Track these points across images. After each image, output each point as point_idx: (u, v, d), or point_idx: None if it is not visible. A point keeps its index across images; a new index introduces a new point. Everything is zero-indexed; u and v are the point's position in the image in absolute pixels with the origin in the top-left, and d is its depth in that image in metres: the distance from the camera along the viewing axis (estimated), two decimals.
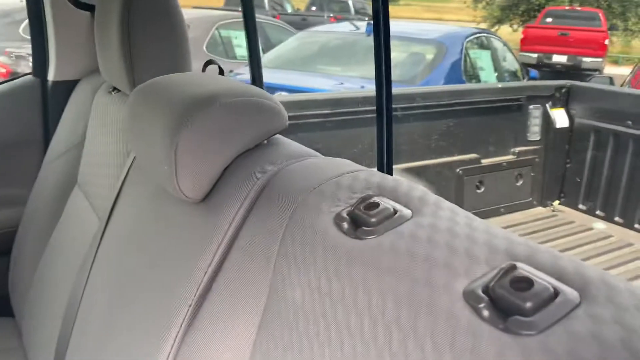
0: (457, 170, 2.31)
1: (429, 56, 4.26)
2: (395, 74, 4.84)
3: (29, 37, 4.61)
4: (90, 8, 1.36)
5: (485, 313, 0.41)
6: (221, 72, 0.94)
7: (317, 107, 1.95)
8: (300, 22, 11.51)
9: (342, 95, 2.23)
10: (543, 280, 0.42)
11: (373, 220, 0.54)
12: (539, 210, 2.63)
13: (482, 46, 4.93)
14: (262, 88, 1.38)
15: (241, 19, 5.52)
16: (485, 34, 5.06)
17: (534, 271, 0.43)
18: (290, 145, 0.76)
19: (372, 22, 4.74)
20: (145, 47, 1.02)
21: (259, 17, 7.05)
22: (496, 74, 4.97)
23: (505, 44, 5.44)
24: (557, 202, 2.69)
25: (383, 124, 1.15)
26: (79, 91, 1.38)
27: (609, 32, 11.73)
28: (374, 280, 0.49)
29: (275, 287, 0.60)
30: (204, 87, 0.74)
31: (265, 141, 0.76)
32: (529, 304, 0.40)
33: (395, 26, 6.18)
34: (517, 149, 2.54)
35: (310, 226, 0.58)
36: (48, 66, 1.44)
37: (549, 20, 11.94)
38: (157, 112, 0.75)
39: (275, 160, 0.71)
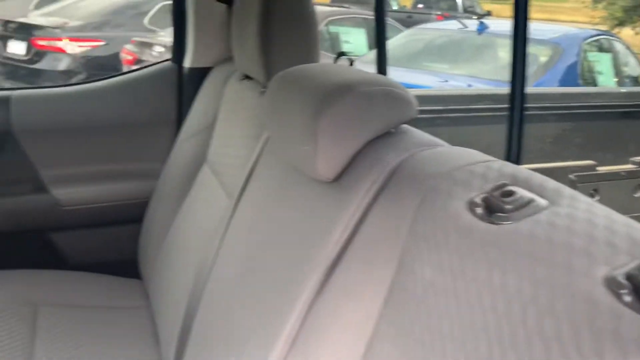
0: (571, 176, 2.22)
1: (543, 57, 4.09)
2: (505, 73, 4.68)
3: (153, 28, 4.97)
4: (229, 1, 1.47)
5: (628, 299, 0.43)
6: (351, 63, 0.99)
7: (437, 103, 1.97)
8: (407, 20, 11.42)
9: (463, 92, 2.21)
10: None
11: (509, 207, 0.57)
12: None
13: (602, 49, 4.64)
14: None
15: (349, 16, 5.59)
16: (605, 36, 4.76)
17: None
18: (419, 134, 0.80)
19: (482, 20, 4.61)
20: (281, 40, 1.09)
21: (366, 14, 7.10)
22: (616, 79, 4.67)
23: (628, 48, 5.08)
24: None
25: (515, 121, 1.15)
26: (212, 78, 1.50)
27: None
28: (510, 262, 0.52)
29: (404, 263, 0.64)
30: (342, 76, 0.80)
31: (394, 129, 0.81)
32: None
33: (506, 25, 5.97)
34: (638, 159, 2.40)
35: (442, 209, 0.62)
36: (185, 54, 1.57)
37: None
38: (298, 97, 0.82)
39: (406, 147, 0.76)
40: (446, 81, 4.14)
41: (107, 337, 1.27)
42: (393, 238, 0.67)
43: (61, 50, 5.48)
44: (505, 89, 2.25)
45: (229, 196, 1.18)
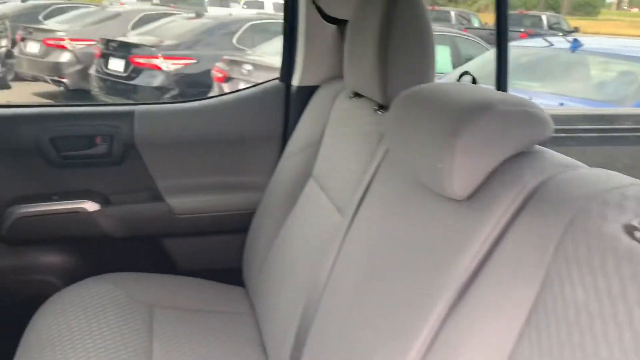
0: None
1: None
2: (598, 93, 4.48)
3: (241, 47, 5.16)
4: (339, 22, 1.52)
5: None
6: (474, 81, 1.00)
7: (571, 122, 1.93)
8: (489, 37, 11.20)
9: (599, 112, 2.13)
10: None
11: None
12: None
13: None
14: None
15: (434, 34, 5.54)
16: None
17: None
18: (554, 155, 0.80)
19: (577, 38, 4.43)
20: (399, 60, 1.12)
21: (449, 31, 7.03)
22: None
23: None
24: None
25: None
26: (319, 95, 1.55)
27: None
28: None
29: (550, 283, 0.64)
30: (479, 95, 0.81)
31: (528, 149, 0.80)
32: None
33: (599, 42, 5.72)
34: None
35: (596, 232, 0.61)
36: (293, 73, 1.64)
37: None
38: (431, 115, 0.84)
39: (544, 167, 0.75)
40: (530, 99, 4.03)
41: (215, 340, 1.33)
42: (536, 258, 0.66)
43: (156, 68, 5.81)
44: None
45: (340, 211, 1.21)
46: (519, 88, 4.39)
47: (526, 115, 0.78)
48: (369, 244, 1.01)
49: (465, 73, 1.02)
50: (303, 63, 1.60)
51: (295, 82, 1.63)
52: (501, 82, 1.39)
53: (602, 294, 0.57)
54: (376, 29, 1.12)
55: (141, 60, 5.88)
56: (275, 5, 16.18)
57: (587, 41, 4.98)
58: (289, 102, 1.65)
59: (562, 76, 4.58)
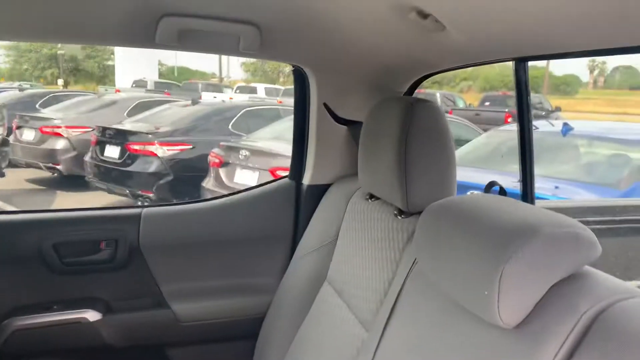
0: None
1: (638, 159, 3.94)
2: (591, 176, 4.51)
3: (237, 132, 5.20)
4: (349, 123, 1.53)
5: None
6: (503, 192, 0.98)
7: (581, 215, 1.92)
8: (475, 117, 11.51)
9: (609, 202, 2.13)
10: None
11: None
12: None
13: None
14: (533, 203, 1.39)
15: None
16: None
17: None
18: (606, 277, 0.76)
19: (566, 123, 4.52)
20: (420, 166, 1.10)
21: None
22: None
23: None
24: None
25: None
26: (332, 194, 1.52)
27: None
28: None
29: None
30: (522, 215, 0.78)
31: (577, 272, 0.76)
32: None
33: (588, 126, 5.82)
34: None
35: None
36: (304, 171, 1.62)
37: None
38: (470, 235, 0.80)
39: (600, 294, 0.71)
40: (519, 181, 4.03)
41: None
42: None
43: (152, 154, 5.84)
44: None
45: (364, 324, 1.15)
46: (512, 172, 4.43)
47: (574, 237, 0.75)
48: None
49: (493, 183, 0.99)
50: (314, 162, 1.58)
51: (306, 180, 1.60)
52: (528, 191, 1.37)
53: None
54: (395, 133, 1.11)
55: (137, 147, 5.92)
56: (266, 89, 16.69)
57: (581, 125, 5.11)
58: (300, 200, 1.62)
59: (553, 158, 4.64)
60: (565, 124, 4.43)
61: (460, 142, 5.88)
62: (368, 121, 1.26)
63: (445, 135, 1.12)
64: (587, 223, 1.96)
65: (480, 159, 4.66)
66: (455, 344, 0.83)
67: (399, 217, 1.16)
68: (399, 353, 0.96)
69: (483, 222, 0.79)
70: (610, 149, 4.40)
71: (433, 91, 16.77)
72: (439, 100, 15.11)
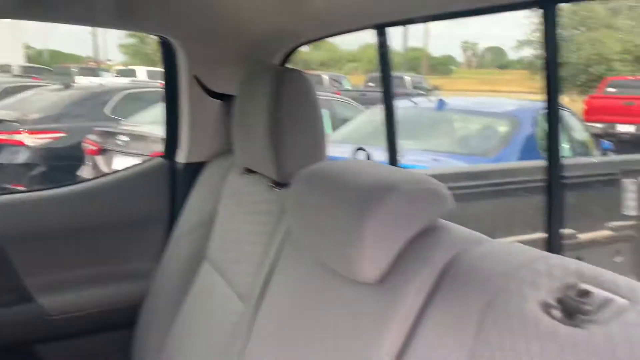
0: None
1: (502, 129, 4.27)
2: (464, 147, 4.84)
3: (114, 117, 4.93)
4: (223, 97, 1.48)
5: None
6: (368, 157, 1.00)
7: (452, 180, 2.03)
8: (361, 98, 11.86)
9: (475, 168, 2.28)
10: None
11: (588, 308, 0.55)
12: None
13: None
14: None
15: None
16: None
17: None
18: (459, 228, 0.80)
19: (441, 98, 4.78)
20: (290, 136, 1.09)
21: (326, 95, 7.34)
22: (568, 145, 4.90)
23: (573, 114, 5.39)
24: None
25: (554, 201, 1.17)
26: (208, 172, 1.48)
27: None
28: None
29: None
30: (381, 174, 0.80)
31: (432, 225, 0.80)
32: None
33: (457, 100, 6.22)
34: (614, 224, 2.48)
35: (517, 313, 0.60)
36: (178, 149, 1.55)
37: (612, 90, 11.82)
38: (334, 196, 0.80)
39: (452, 244, 0.74)
40: (404, 156, 4.22)
41: None
42: (457, 343, 0.64)
43: (20, 143, 5.36)
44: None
45: (241, 298, 1.13)
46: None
47: (428, 192, 0.78)
48: (280, 333, 0.93)
49: (360, 149, 1.01)
50: (188, 139, 1.52)
51: (181, 158, 1.54)
52: (393, 156, 1.42)
53: None
54: (265, 105, 1.09)
55: (2, 137, 5.39)
56: (149, 72, 15.92)
57: (454, 100, 5.43)
58: (175, 180, 1.55)
59: (431, 133, 4.90)
60: (440, 100, 4.69)
61: (346, 120, 6.03)
62: (240, 93, 1.23)
63: (314, 104, 1.12)
64: (459, 188, 2.08)
65: (365, 136, 4.80)
66: (325, 306, 0.84)
67: (274, 189, 1.15)
68: (273, 321, 0.96)
69: (346, 184, 0.81)
70: (481, 122, 4.72)
71: (320, 73, 17.04)
72: (326, 82, 15.37)
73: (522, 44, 19.16)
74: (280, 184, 1.13)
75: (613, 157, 2.54)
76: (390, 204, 0.74)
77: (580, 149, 5.11)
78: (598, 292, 0.57)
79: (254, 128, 1.13)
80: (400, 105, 6.06)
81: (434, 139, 4.74)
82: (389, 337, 0.71)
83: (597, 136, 8.83)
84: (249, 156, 1.21)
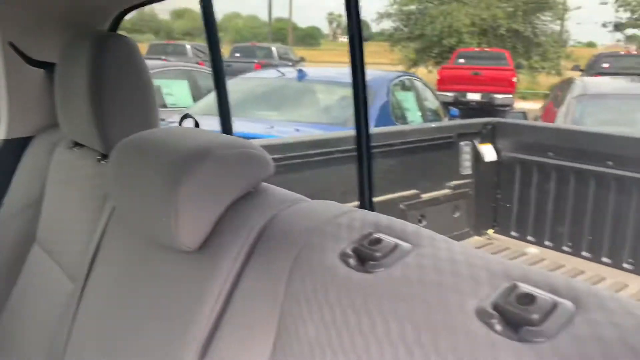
0: (400, 205, 2.43)
1: None
2: (326, 117, 4.98)
3: None
4: (46, 65, 1.36)
5: (499, 327, 0.48)
6: (196, 124, 0.98)
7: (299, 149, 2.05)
8: (226, 69, 11.62)
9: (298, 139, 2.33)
10: (542, 294, 0.49)
11: (378, 254, 0.60)
12: (476, 239, 2.81)
13: (406, 88, 5.20)
14: (231, 134, 1.42)
15: (169, 68, 5.50)
16: (407, 77, 5.36)
17: (531, 288, 0.50)
18: (279, 191, 0.82)
19: (301, 68, 4.84)
20: (115, 104, 1.04)
21: (187, 65, 7.08)
22: (420, 113, 5.24)
23: (426, 85, 5.77)
24: (491, 230, 2.87)
25: (364, 163, 1.23)
26: (34, 148, 1.36)
27: (515, 70, 12.70)
28: (390, 309, 0.55)
29: (285, 325, 0.64)
30: (197, 140, 0.79)
31: (253, 189, 0.81)
32: (535, 316, 0.47)
33: (321, 71, 6.35)
34: (452, 183, 2.71)
35: (318, 265, 0.63)
36: None
37: (462, 61, 12.80)
38: (151, 165, 0.78)
39: (269, 206, 0.76)
40: (272, 127, 4.25)
41: None
42: (271, 301, 0.66)
43: None
44: (338, 132, 2.45)
45: (71, 278, 1.07)
46: (260, 118, 4.62)
47: (245, 157, 0.78)
48: (107, 311, 0.90)
49: (186, 116, 0.99)
50: (9, 112, 1.38)
51: (2, 134, 1.40)
52: (226, 123, 1.40)
53: (330, 326, 0.59)
54: (86, 73, 1.03)
55: None
56: None
57: (313, 70, 5.51)
58: None
59: (295, 104, 4.97)
60: (299, 70, 4.75)
61: (202, 91, 5.89)
62: (61, 61, 1.14)
63: (141, 70, 1.07)
64: (307, 156, 2.13)
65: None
66: (152, 276, 0.82)
67: (102, 162, 1.10)
68: (99, 298, 0.92)
69: (162, 152, 0.79)
70: (341, 92, 4.87)
71: (183, 43, 16.41)
72: (189, 52, 14.84)
73: (382, 16, 19.91)
74: (106, 157, 1.08)
75: (449, 122, 2.78)
76: (205, 169, 0.74)
77: (432, 116, 5.50)
78: (388, 240, 0.62)
79: (76, 98, 1.06)
80: (267, 76, 6.05)
81: (298, 110, 4.81)
82: (209, 304, 0.71)
83: (449, 104, 9.57)
84: (74, 128, 1.14)
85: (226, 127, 1.40)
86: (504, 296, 0.50)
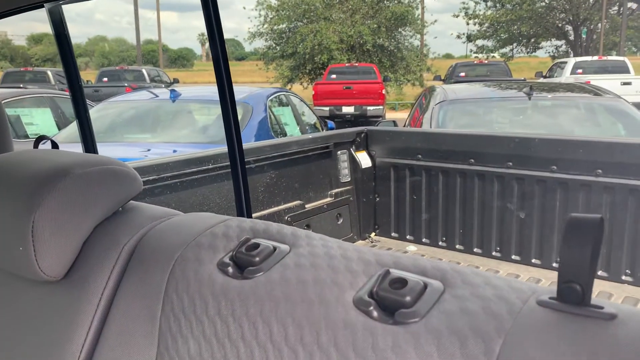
0: (286, 217, 2.45)
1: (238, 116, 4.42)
2: (205, 136, 4.88)
3: None
4: None
5: (375, 314, 0.50)
6: (55, 146, 0.92)
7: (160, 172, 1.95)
8: (94, 94, 11.01)
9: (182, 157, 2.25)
10: (413, 278, 0.52)
11: (256, 259, 0.60)
12: (361, 243, 2.90)
13: (283, 103, 5.29)
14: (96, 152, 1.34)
15: (28, 96, 5.09)
16: (284, 93, 5.45)
17: (403, 273, 0.53)
18: (149, 207, 0.78)
19: (174, 89, 4.72)
20: None
21: (49, 92, 6.61)
22: (298, 127, 5.35)
23: (302, 100, 5.90)
24: (373, 233, 2.99)
25: (239, 176, 1.22)
26: None
27: (383, 82, 13.43)
28: (271, 312, 0.55)
29: (165, 344, 0.61)
30: (54, 161, 0.73)
31: (121, 208, 0.77)
32: (408, 298, 0.50)
33: (195, 90, 6.24)
34: (334, 191, 2.79)
35: (195, 278, 0.62)
36: None
37: (334, 76, 13.28)
38: (2, 193, 0.72)
39: (139, 223, 0.73)
40: (149, 150, 4.10)
41: None
42: (147, 323, 0.63)
43: None
44: (217, 149, 2.42)
45: None
46: (134, 141, 4.43)
47: (110, 174, 0.74)
48: None
49: (43, 137, 0.92)
50: None
51: None
52: (88, 143, 1.33)
53: (211, 338, 0.58)
54: None
55: None
56: None
57: (186, 90, 5.40)
58: None
59: (170, 125, 4.83)
60: (172, 91, 4.64)
61: (68, 118, 5.54)
62: None
63: None
64: (185, 175, 2.08)
65: (99, 133, 4.47)
66: (8, 311, 0.75)
67: None
68: None
69: (15, 175, 0.72)
70: (217, 110, 4.81)
71: (44, 69, 15.32)
72: (52, 78, 13.88)
73: (254, 35, 20.07)
74: None
75: (324, 133, 2.87)
76: (63, 190, 0.69)
77: (311, 130, 5.63)
78: (266, 244, 0.62)
79: None
80: (138, 98, 5.81)
81: (175, 130, 4.68)
82: (81, 332, 0.67)
83: (326, 118, 9.85)
84: None
85: (89, 149, 1.32)
86: (378, 283, 0.52)
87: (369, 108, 11.83)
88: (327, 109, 11.79)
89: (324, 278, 0.55)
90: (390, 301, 0.50)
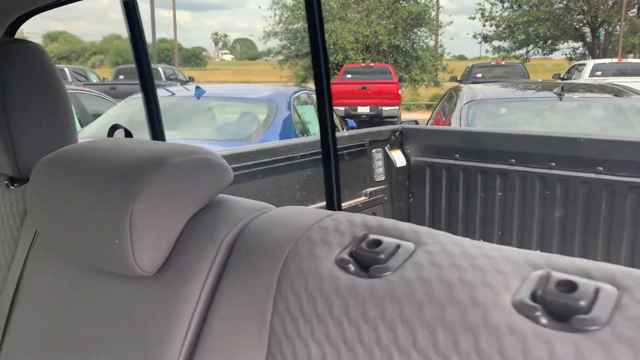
0: None
1: (262, 115, 4.38)
2: (229, 133, 4.84)
3: None
4: None
5: (544, 320, 0.45)
6: (128, 134, 0.87)
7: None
8: (111, 92, 11.04)
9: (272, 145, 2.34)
10: (582, 281, 0.46)
11: (381, 257, 0.55)
12: None
13: (306, 102, 5.24)
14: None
15: None
16: (306, 91, 5.41)
17: (567, 275, 0.48)
18: (240, 200, 0.74)
19: (198, 86, 4.69)
20: (26, 120, 0.90)
21: (71, 89, 6.62)
22: (319, 126, 5.30)
23: None
24: None
25: (331, 166, 1.17)
26: None
27: (399, 83, 13.36)
28: (413, 314, 0.49)
29: (278, 347, 0.57)
30: (148, 149, 0.69)
31: (210, 201, 0.73)
32: (582, 303, 0.44)
33: (217, 87, 6.20)
34: (368, 190, 2.73)
35: (313, 274, 0.57)
36: None
37: (349, 76, 13.22)
38: (89, 183, 0.67)
39: (235, 216, 0.68)
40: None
41: None
42: (256, 321, 0.58)
43: None
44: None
45: None
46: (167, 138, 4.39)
47: (205, 163, 0.70)
48: (35, 350, 0.76)
49: (116, 126, 0.87)
50: None
51: None
52: (157, 132, 1.29)
53: (338, 342, 0.53)
54: None
55: None
56: None
57: (210, 87, 5.39)
58: None
59: (191, 122, 4.80)
60: (197, 87, 4.60)
61: (99, 116, 5.53)
62: None
63: (53, 79, 0.94)
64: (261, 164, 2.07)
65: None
66: (94, 312, 0.71)
67: (12, 187, 0.94)
68: (27, 337, 0.78)
69: (105, 165, 0.68)
70: (241, 108, 4.78)
71: (62, 66, 15.39)
72: (69, 76, 13.94)
73: (269, 34, 20.06)
74: (19, 180, 0.93)
75: (360, 130, 2.81)
76: (162, 179, 0.64)
77: None
78: (388, 240, 0.57)
79: None
80: (160, 95, 5.80)
81: (196, 128, 4.65)
82: (178, 332, 0.62)
83: (342, 117, 9.81)
84: None
85: (158, 136, 1.28)
86: (544, 286, 0.47)
87: (384, 108, 11.75)
88: (342, 108, 11.74)
89: (472, 279, 0.49)
90: (559, 305, 0.45)
